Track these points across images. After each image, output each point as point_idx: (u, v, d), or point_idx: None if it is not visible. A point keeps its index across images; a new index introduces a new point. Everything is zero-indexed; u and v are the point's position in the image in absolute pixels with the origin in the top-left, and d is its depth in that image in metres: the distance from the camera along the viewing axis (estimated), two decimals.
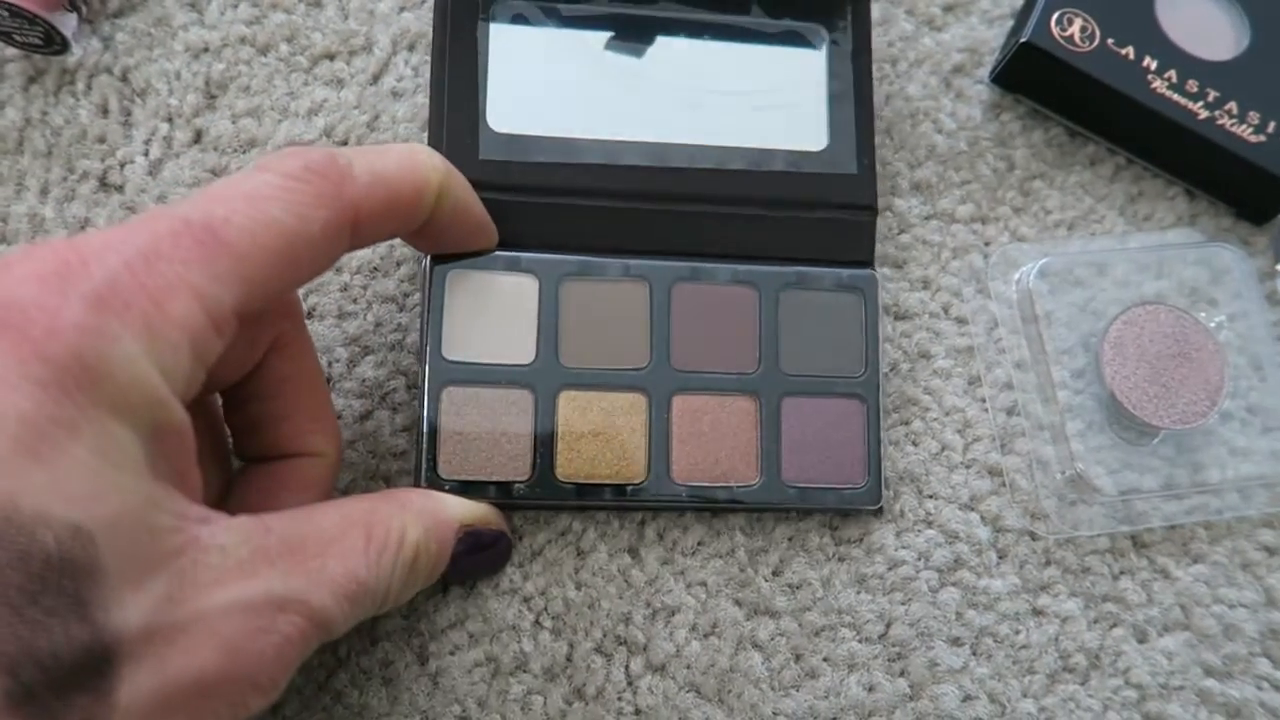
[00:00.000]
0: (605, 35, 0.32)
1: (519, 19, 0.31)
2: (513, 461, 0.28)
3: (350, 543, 0.22)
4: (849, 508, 0.30)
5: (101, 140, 0.31)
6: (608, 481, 0.28)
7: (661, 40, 0.32)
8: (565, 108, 0.31)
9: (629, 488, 0.28)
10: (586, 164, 0.30)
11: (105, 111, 0.32)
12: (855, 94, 0.32)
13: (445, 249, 0.29)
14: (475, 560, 0.27)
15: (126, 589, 0.18)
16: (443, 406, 0.28)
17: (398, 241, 0.32)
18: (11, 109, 0.31)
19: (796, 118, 0.32)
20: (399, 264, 0.32)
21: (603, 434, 0.29)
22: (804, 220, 0.31)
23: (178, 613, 0.19)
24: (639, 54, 0.32)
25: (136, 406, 0.19)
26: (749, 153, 0.31)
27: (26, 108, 0.31)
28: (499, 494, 0.28)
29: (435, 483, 0.27)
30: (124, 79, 0.32)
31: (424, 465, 0.28)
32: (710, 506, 0.29)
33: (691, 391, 0.30)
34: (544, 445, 0.28)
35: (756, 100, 0.32)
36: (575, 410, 0.29)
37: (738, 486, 0.29)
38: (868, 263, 0.31)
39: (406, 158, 0.25)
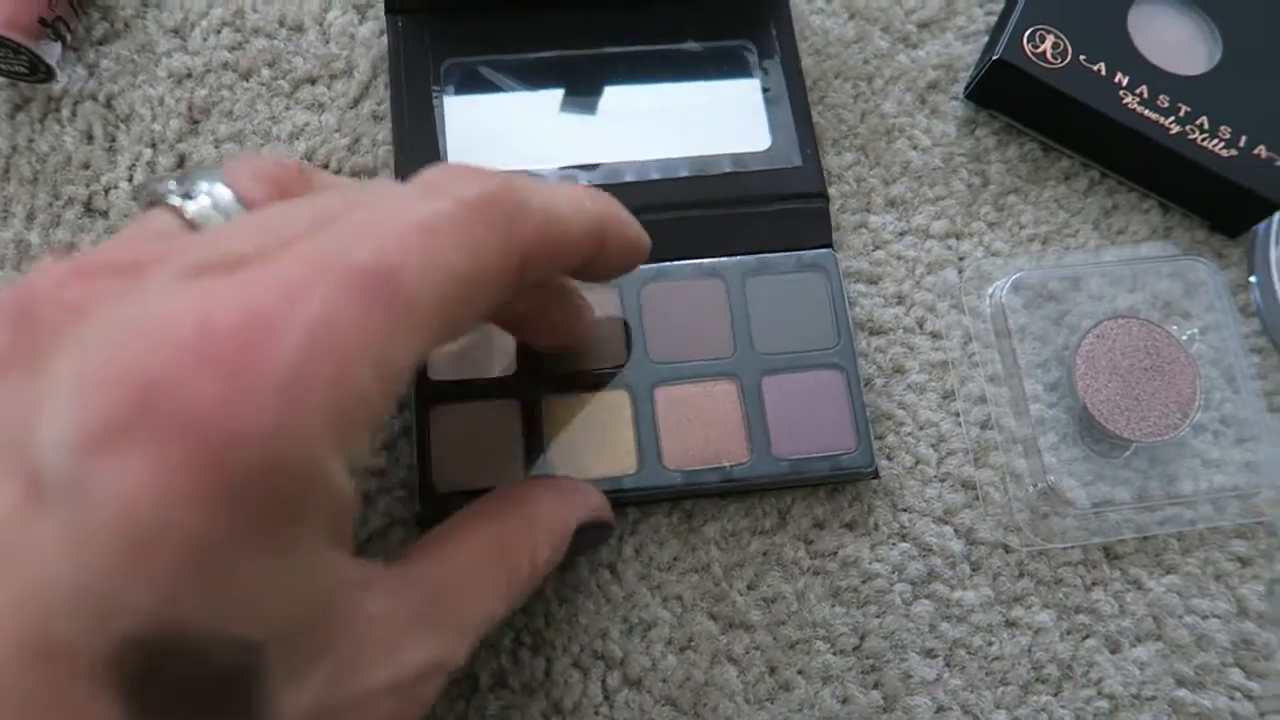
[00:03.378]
0: (553, 77, 0.34)
1: (470, 75, 0.33)
2: (507, 469, 0.29)
3: (486, 581, 0.22)
4: (844, 473, 0.30)
5: (86, 166, 0.32)
6: (603, 475, 0.29)
7: (605, 75, 0.34)
8: (522, 145, 0.33)
9: (624, 479, 0.29)
10: None
11: (90, 138, 0.32)
12: (789, 95, 0.34)
13: (606, 277, 0.27)
14: (584, 544, 0.27)
15: (290, 686, 0.17)
16: (432, 426, 0.29)
17: None
18: None
19: (737, 124, 0.34)
20: None
21: (592, 432, 0.30)
22: (759, 214, 0.32)
23: (337, 697, 0.18)
24: (586, 90, 0.34)
25: (317, 508, 0.17)
26: (695, 160, 0.33)
27: (13, 135, 0.32)
28: None
29: (438, 501, 0.28)
30: (108, 105, 0.33)
31: (424, 483, 0.28)
32: (706, 489, 0.30)
33: (672, 382, 0.30)
34: (535, 450, 0.29)
35: (698, 115, 0.34)
36: (564, 413, 0.30)
37: (730, 466, 0.29)
38: (827, 245, 0.32)
39: (574, 200, 0.22)
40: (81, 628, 0.15)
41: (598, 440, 0.29)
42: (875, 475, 0.30)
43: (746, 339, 0.31)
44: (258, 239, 0.18)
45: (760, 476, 0.30)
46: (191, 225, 0.20)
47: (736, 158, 0.33)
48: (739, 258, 0.32)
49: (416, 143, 0.32)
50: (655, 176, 0.33)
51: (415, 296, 0.17)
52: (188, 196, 0.20)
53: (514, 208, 0.20)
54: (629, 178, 0.33)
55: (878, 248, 0.34)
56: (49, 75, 0.32)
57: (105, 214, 0.32)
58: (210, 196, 0.20)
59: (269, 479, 0.16)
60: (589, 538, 0.27)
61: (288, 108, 0.33)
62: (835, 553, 0.31)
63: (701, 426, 0.30)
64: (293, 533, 0.17)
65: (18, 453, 0.16)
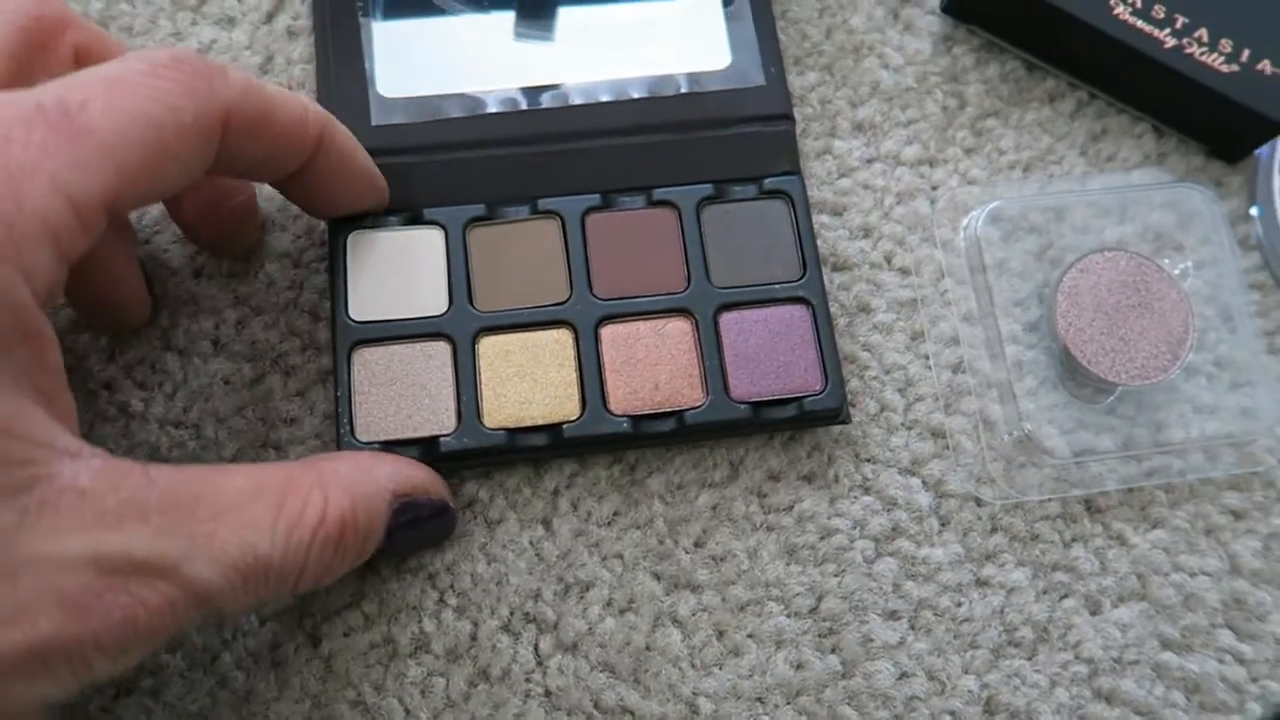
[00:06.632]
0: None
1: None
2: (436, 415, 0.26)
3: (255, 512, 0.20)
4: (811, 417, 0.27)
5: None
6: (540, 423, 0.27)
7: None
8: (455, 64, 0.30)
9: (565, 426, 0.26)
10: (483, 115, 0.29)
11: None
12: (752, 9, 0.31)
13: (330, 208, 0.27)
14: (414, 534, 0.25)
15: None
16: (354, 369, 0.27)
17: None
18: None
19: (695, 41, 0.31)
20: (295, 217, 0.29)
21: (530, 375, 0.27)
22: (719, 139, 0.29)
23: (8, 553, 0.17)
24: (529, 9, 0.31)
25: None
26: (648, 80, 0.30)
27: None
28: (425, 452, 0.26)
29: (354, 448, 0.26)
30: None
31: (342, 431, 0.26)
32: (656, 437, 0.27)
33: (619, 320, 0.28)
34: (467, 394, 0.27)
35: (651, 30, 0.31)
36: (497, 354, 0.27)
37: (684, 410, 0.27)
38: (794, 172, 0.30)
39: (286, 92, 0.23)
40: None
41: (536, 384, 0.27)
42: (845, 420, 0.28)
43: (702, 272, 0.28)
44: None
45: (717, 422, 0.27)
46: None
47: (693, 77, 0.30)
48: (693, 185, 0.29)
49: (342, 66, 0.29)
50: (605, 99, 0.30)
51: (95, 127, 0.18)
52: None
53: (210, 70, 0.20)
54: (576, 100, 0.30)
55: (843, 175, 0.31)
56: None
57: None
58: None
59: None
60: (429, 529, 0.25)
61: (194, 23, 0.30)
62: (791, 507, 0.28)
63: (651, 368, 0.27)
64: None
65: None
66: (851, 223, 0.31)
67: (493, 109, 0.29)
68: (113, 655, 0.18)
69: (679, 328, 0.28)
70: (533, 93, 0.30)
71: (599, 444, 0.27)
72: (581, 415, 0.27)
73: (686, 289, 0.28)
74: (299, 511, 0.21)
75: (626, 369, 0.27)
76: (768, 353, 0.28)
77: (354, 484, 0.22)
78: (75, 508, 0.17)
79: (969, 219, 0.31)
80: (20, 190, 0.17)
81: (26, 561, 0.17)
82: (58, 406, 0.19)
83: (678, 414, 0.27)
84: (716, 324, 0.28)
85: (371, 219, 0.28)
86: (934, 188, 0.31)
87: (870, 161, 0.31)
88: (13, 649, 0.17)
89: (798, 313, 0.28)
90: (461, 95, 0.29)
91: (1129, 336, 0.29)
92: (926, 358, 0.30)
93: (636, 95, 0.30)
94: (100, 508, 0.18)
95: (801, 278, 0.28)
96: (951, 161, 0.31)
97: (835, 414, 0.27)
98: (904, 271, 0.30)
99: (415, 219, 0.28)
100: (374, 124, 0.29)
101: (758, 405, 0.27)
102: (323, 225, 0.29)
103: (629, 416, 0.27)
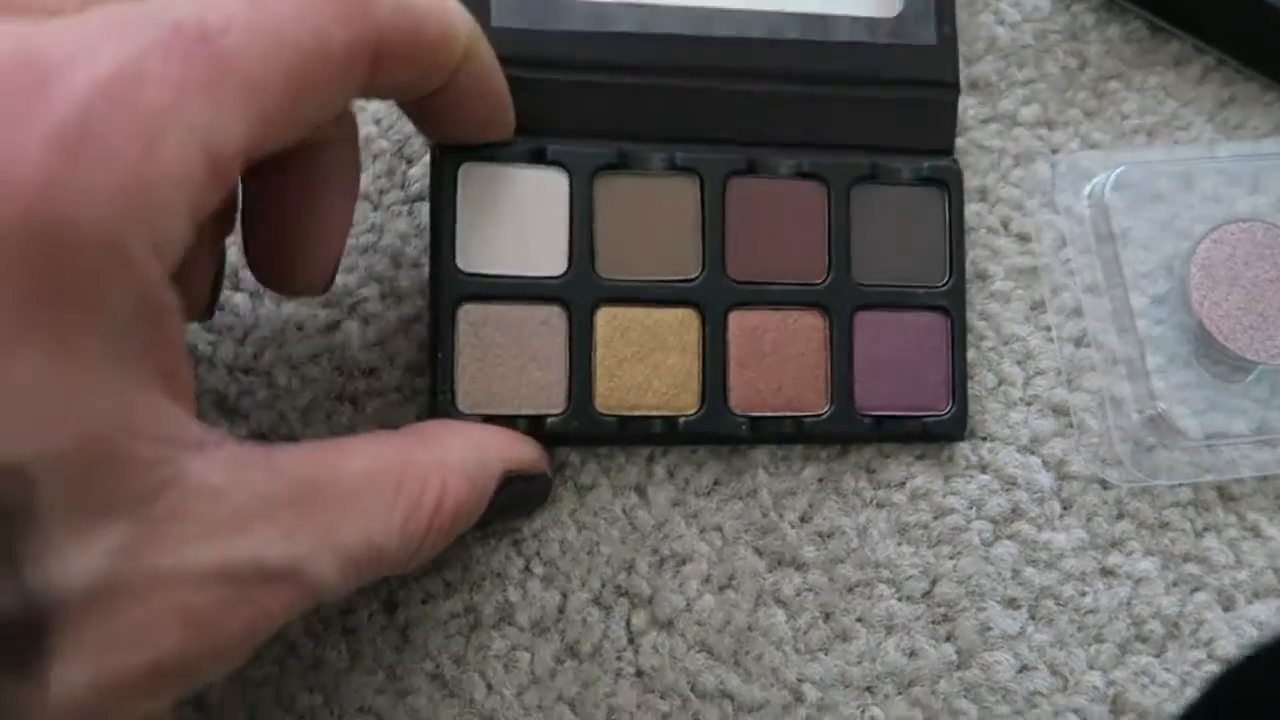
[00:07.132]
0: None
1: None
2: (544, 391, 0.24)
3: (375, 501, 0.19)
4: (929, 435, 0.26)
5: None
6: (655, 413, 0.24)
7: None
8: None
9: (681, 420, 0.24)
10: (620, 32, 0.25)
11: None
12: None
13: (457, 132, 0.24)
14: (508, 506, 0.23)
15: (73, 539, 0.14)
16: (460, 328, 0.24)
17: (371, 132, 0.27)
18: None
19: None
20: (375, 157, 0.27)
21: (649, 358, 0.24)
22: (876, 101, 0.26)
23: (134, 570, 0.15)
24: None
25: (113, 293, 0.14)
26: (809, 19, 0.26)
27: None
28: (529, 429, 0.24)
29: (452, 416, 0.23)
30: None
31: (441, 398, 0.23)
32: (772, 441, 0.25)
33: (750, 306, 0.25)
34: (581, 371, 0.24)
35: None
36: (616, 330, 0.24)
37: (805, 417, 0.25)
38: (948, 151, 0.27)
39: None
40: None
41: (655, 369, 0.25)
42: (962, 438, 0.26)
43: (844, 263, 0.26)
44: None
45: (836, 434, 0.25)
46: None
47: (858, 24, 0.26)
48: (846, 159, 0.26)
49: None
50: (757, 34, 0.26)
51: (240, 62, 0.15)
52: None
53: None
54: (724, 31, 0.25)
55: (958, 135, 0.29)
56: None
57: None
58: None
59: (38, 240, 0.13)
60: (521, 493, 0.23)
61: None
62: (903, 484, 0.26)
63: (778, 365, 0.25)
64: (76, 322, 0.14)
65: None
66: (967, 184, 0.28)
67: (631, 26, 0.25)
68: (226, 663, 0.17)
69: (810, 324, 0.25)
70: (677, 13, 0.25)
71: (712, 441, 0.25)
72: (700, 409, 0.25)
73: (825, 280, 0.26)
74: (417, 498, 0.19)
75: (752, 363, 0.25)
76: (898, 362, 0.25)
77: (470, 466, 0.21)
78: (205, 512, 0.16)
79: (1093, 185, 0.29)
80: (155, 142, 0.14)
81: (153, 579, 0.15)
82: (176, 381, 0.16)
83: (797, 418, 0.25)
84: (851, 324, 0.25)
85: (487, 149, 0.24)
86: (1054, 151, 0.29)
87: (986, 122, 0.29)
88: (135, 671, 0.15)
89: (936, 322, 0.26)
90: (598, 2, 0.25)
91: (1268, 313, 0.27)
92: (1047, 329, 0.28)
93: (793, 36, 0.26)
94: (229, 509, 0.16)
95: (945, 283, 0.26)
96: (1072, 124, 0.29)
97: (957, 435, 0.26)
98: (1022, 238, 0.28)
99: (537, 155, 0.25)
100: (494, 24, 0.24)
101: (880, 419, 0.25)
102: (404, 167, 0.27)
103: (748, 417, 0.25)
